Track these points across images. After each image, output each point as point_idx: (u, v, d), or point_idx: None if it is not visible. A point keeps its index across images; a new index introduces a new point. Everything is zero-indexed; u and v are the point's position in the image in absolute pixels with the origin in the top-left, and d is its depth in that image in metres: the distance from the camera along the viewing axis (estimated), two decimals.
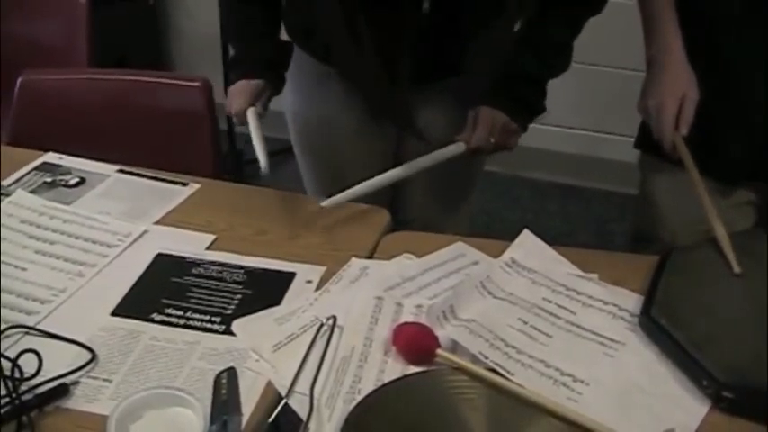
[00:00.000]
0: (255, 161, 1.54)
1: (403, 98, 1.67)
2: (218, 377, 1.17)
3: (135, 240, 1.50)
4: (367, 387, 1.16)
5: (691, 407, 1.15)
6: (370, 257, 1.46)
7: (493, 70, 1.64)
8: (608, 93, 3.25)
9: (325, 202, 1.54)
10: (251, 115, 1.60)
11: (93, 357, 1.21)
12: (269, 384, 1.18)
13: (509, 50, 1.64)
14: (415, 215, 1.87)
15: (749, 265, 1.38)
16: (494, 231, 1.48)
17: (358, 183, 1.55)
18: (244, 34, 1.71)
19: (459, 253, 1.45)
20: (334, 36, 1.60)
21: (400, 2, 1.54)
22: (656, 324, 1.25)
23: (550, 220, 3.23)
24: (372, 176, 1.57)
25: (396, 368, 1.20)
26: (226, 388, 1.14)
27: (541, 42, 1.63)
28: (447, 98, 1.72)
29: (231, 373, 1.18)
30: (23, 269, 1.41)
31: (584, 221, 3.16)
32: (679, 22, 1.56)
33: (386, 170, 1.60)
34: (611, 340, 1.26)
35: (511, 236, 1.49)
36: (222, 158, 3.09)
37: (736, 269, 1.37)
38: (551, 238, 1.49)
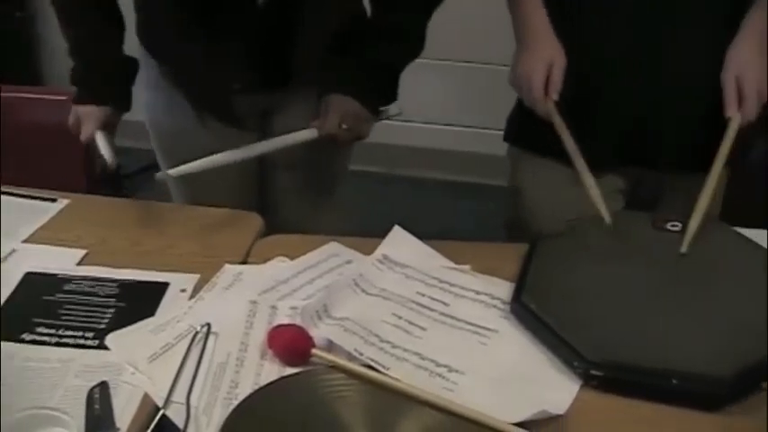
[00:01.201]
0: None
1: (228, 99, 1.68)
2: (90, 393, 1.15)
3: (2, 261, 1.46)
4: (244, 392, 1.15)
5: (563, 387, 1.18)
6: (243, 263, 1.46)
7: (341, 63, 1.65)
8: (478, 88, 3.30)
9: (171, 171, 1.52)
10: (100, 139, 1.59)
11: None
12: (146, 396, 1.16)
13: (358, 40, 1.65)
14: (285, 217, 1.87)
15: (613, 246, 1.42)
16: (374, 230, 1.48)
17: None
18: (87, 47, 1.69)
19: (333, 253, 1.46)
20: (168, 37, 1.60)
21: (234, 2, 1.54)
22: (526, 310, 1.28)
23: (430, 216, 3.25)
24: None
25: (272, 371, 1.20)
26: (99, 403, 1.13)
27: (391, 29, 1.64)
28: (307, 101, 1.72)
29: (104, 387, 1.16)
30: None
31: (464, 215, 3.21)
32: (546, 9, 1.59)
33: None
34: (485, 328, 1.28)
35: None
36: (102, 173, 3.04)
37: (608, 219, 1.42)
38: (432, 233, 1.50)
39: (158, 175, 1.53)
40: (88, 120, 1.62)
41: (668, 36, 1.54)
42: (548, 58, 1.54)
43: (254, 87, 1.67)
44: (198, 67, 1.64)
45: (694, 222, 1.43)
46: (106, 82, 1.67)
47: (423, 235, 1.50)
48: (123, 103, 1.68)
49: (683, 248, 1.40)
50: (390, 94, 1.69)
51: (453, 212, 3.32)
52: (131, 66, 1.71)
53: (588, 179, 1.49)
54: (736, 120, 1.51)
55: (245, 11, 1.57)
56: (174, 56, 1.69)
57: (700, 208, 1.45)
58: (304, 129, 1.63)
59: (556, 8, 1.58)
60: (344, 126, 1.62)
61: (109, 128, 1.65)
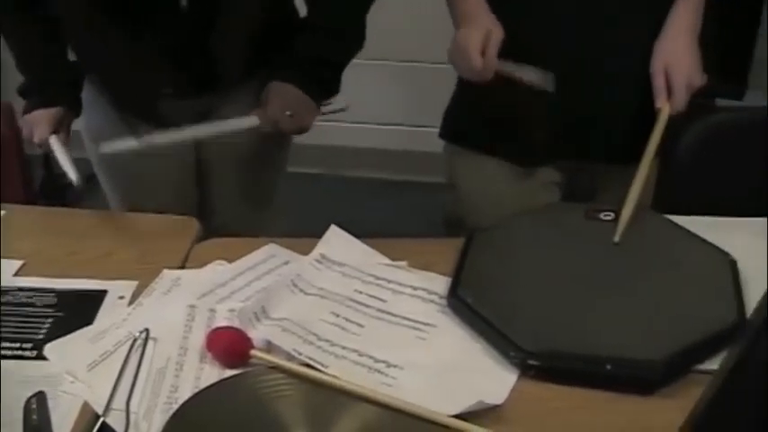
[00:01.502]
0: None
1: (155, 104, 1.68)
2: (27, 404, 1.14)
3: None
4: (184, 396, 1.15)
5: (501, 378, 1.19)
6: (182, 268, 1.46)
7: (280, 59, 1.66)
8: (416, 87, 3.32)
9: (105, 148, 1.52)
10: (55, 142, 1.58)
11: None
12: (86, 404, 1.16)
13: (293, 38, 1.66)
14: (224, 221, 1.87)
15: (547, 237, 1.44)
16: (315, 231, 1.48)
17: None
18: (32, 60, 1.68)
19: (271, 254, 1.46)
20: (89, 42, 1.60)
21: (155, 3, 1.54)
22: (463, 303, 1.29)
23: (376, 215, 3.26)
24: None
25: (212, 373, 1.20)
26: (36, 413, 1.12)
27: (327, 25, 1.65)
28: (243, 102, 1.72)
29: (41, 397, 1.15)
30: None
31: (409, 213, 3.22)
32: None
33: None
34: (423, 323, 1.29)
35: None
36: (42, 183, 3.01)
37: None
38: (374, 232, 1.50)
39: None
40: (40, 123, 1.61)
41: (597, 30, 1.56)
42: (484, 29, 1.52)
43: (185, 91, 1.67)
44: (122, 72, 1.64)
45: (626, 212, 1.45)
46: (54, 84, 1.66)
47: (365, 234, 1.50)
48: (73, 104, 1.67)
49: (616, 238, 1.42)
50: (332, 87, 1.70)
51: (394, 211, 3.33)
52: (78, 70, 1.70)
53: None
54: (665, 111, 1.54)
55: (168, 11, 1.57)
56: (97, 61, 1.68)
57: (631, 198, 1.47)
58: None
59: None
60: (288, 113, 1.62)
61: (62, 130, 1.63)
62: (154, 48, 1.58)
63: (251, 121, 1.62)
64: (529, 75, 1.51)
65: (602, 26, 1.56)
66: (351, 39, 1.68)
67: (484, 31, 1.51)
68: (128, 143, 1.54)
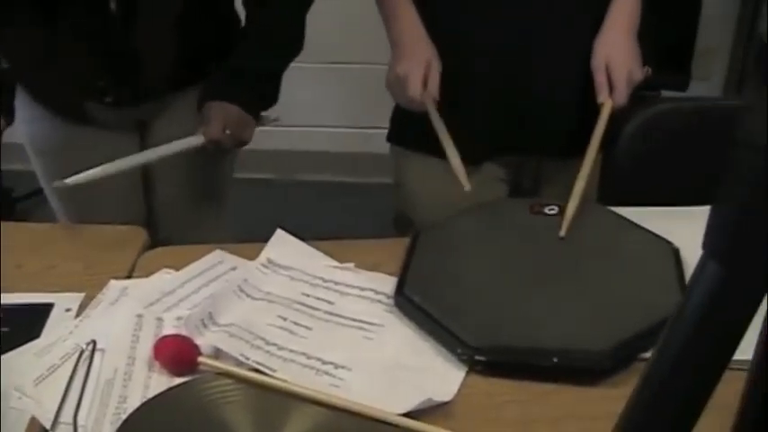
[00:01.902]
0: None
1: (81, 107, 1.67)
2: None
3: None
4: (133, 406, 1.15)
5: (449, 374, 1.20)
6: (129, 277, 1.45)
7: (219, 71, 1.66)
8: (365, 89, 3.32)
9: (69, 180, 1.51)
10: None
11: None
12: (33, 420, 1.15)
13: (233, 46, 1.66)
14: (172, 229, 1.86)
15: (492, 233, 1.45)
16: (263, 236, 1.48)
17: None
18: None
19: (217, 261, 1.46)
20: (17, 45, 1.59)
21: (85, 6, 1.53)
22: (409, 302, 1.30)
23: (332, 218, 3.27)
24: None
25: (161, 382, 1.20)
26: None
27: (266, 31, 1.66)
28: (183, 109, 1.72)
29: None
30: None
31: (365, 215, 3.22)
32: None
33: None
34: (370, 323, 1.29)
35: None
36: None
37: (467, 187, 1.45)
38: (322, 234, 1.50)
39: (55, 184, 1.52)
40: None
41: (540, 26, 1.57)
42: (424, 60, 1.54)
43: (120, 100, 1.66)
44: (53, 79, 1.63)
45: (571, 207, 1.46)
46: None
47: (315, 237, 1.50)
48: (4, 114, 1.66)
49: (562, 232, 1.43)
50: (271, 98, 1.70)
51: (344, 213, 3.34)
52: (8, 77, 1.69)
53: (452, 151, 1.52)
54: (608, 106, 1.55)
55: (98, 16, 1.56)
56: (27, 68, 1.67)
57: (576, 192, 1.48)
58: (190, 136, 1.63)
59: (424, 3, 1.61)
60: (228, 132, 1.62)
61: None
62: (83, 53, 1.57)
63: (196, 140, 1.62)
64: (450, 148, 1.53)
65: (543, 23, 1.57)
66: (290, 44, 1.68)
67: (424, 64, 1.53)
68: (79, 177, 1.52)
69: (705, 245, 0.51)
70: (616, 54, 1.56)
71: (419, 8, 1.60)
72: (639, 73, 1.57)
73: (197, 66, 1.69)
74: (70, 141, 1.74)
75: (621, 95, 1.55)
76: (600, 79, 1.55)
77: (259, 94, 1.67)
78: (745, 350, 0.57)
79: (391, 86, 1.60)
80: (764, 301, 0.52)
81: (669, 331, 0.56)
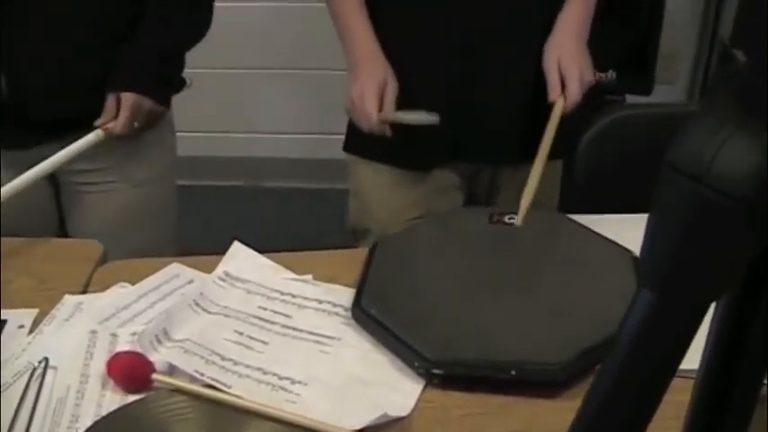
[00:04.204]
0: None
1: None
2: None
3: None
4: (85, 424, 1.13)
5: (407, 388, 1.19)
6: (84, 292, 1.43)
7: (124, 59, 1.65)
8: (325, 95, 3.31)
9: None
10: None
11: None
12: None
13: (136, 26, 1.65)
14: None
15: (450, 243, 1.45)
16: (221, 247, 1.47)
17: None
18: None
19: (174, 274, 1.44)
20: None
21: None
22: (367, 314, 1.29)
23: (299, 225, 3.26)
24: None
25: (114, 400, 1.18)
26: None
27: (166, 14, 1.65)
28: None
29: None
30: None
31: (332, 222, 3.21)
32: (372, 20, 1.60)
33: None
34: (327, 337, 1.28)
35: (256, 248, 1.49)
36: None
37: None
38: (303, 242, 1.50)
39: None
40: None
41: (489, 29, 1.57)
42: (380, 78, 1.54)
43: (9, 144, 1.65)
44: None
45: (527, 197, 1.45)
46: None
47: (276, 245, 1.49)
48: None
49: (518, 222, 1.42)
50: (179, 82, 1.70)
51: (310, 219, 3.33)
52: None
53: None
54: (560, 105, 1.55)
55: None
56: None
57: (531, 184, 1.47)
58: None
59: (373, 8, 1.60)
60: (137, 125, 1.63)
61: None
62: None
63: (96, 136, 1.62)
64: (419, 118, 1.51)
65: (496, 31, 1.57)
66: (198, 19, 1.69)
67: (379, 84, 1.53)
68: None
69: (637, 273, 0.51)
70: (567, 55, 1.56)
71: (372, 15, 1.60)
72: (590, 74, 1.57)
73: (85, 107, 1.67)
74: None
75: (574, 94, 1.54)
76: (552, 78, 1.55)
77: (169, 81, 1.66)
78: (692, 359, 0.57)
79: (349, 109, 1.59)
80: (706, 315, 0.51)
81: (609, 357, 0.55)
